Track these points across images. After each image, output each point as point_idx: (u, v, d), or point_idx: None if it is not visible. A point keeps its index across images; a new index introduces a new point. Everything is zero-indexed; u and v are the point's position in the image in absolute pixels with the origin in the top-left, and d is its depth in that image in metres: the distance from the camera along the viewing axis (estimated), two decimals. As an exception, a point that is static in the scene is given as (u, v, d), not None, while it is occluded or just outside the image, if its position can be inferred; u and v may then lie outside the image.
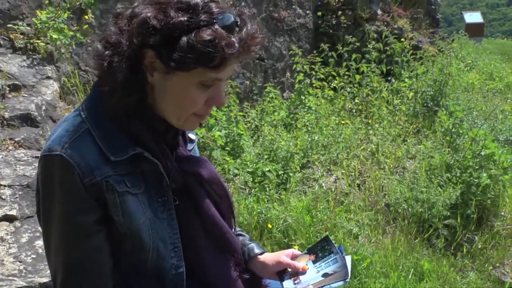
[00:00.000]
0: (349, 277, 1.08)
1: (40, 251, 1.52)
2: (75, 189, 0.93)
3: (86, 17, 3.16)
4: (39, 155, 1.97)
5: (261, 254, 1.27)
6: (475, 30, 13.55)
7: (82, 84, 3.11)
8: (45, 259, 1.47)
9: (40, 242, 1.55)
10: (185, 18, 0.89)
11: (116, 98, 0.96)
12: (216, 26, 0.90)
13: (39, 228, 1.61)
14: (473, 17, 15.14)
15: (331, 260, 1.14)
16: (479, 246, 3.35)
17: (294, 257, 1.24)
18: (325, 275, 1.12)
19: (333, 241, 1.21)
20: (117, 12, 1.00)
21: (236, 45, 0.91)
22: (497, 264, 3.31)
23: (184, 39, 0.88)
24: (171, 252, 1.04)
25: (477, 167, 3.51)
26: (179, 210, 1.07)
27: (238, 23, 0.94)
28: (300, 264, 1.20)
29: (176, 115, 1.00)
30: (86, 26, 3.11)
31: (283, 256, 1.23)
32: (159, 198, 1.03)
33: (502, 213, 3.71)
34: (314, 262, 1.17)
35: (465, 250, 3.27)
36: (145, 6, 0.93)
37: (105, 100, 0.98)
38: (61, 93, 2.89)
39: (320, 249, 1.19)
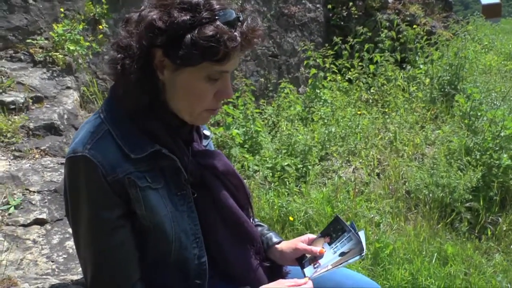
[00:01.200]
0: (364, 251, 1.12)
1: (71, 251, 1.60)
2: (100, 187, 0.99)
3: (100, 27, 3.26)
4: (64, 161, 2.07)
5: (278, 243, 1.31)
6: (492, 11, 13.26)
7: (101, 92, 3.21)
8: (76, 258, 1.56)
9: (70, 243, 1.63)
10: (188, 17, 0.95)
11: (131, 98, 1.03)
12: (218, 22, 0.96)
13: (69, 230, 1.70)
14: (489, -3, 14.82)
15: (345, 239, 1.18)
16: (504, 228, 3.32)
17: (310, 242, 1.28)
18: (342, 254, 1.15)
19: (344, 220, 1.24)
20: (126, 17, 1.07)
21: (238, 38, 0.96)
22: (524, 246, 3.28)
23: (188, 36, 0.94)
24: (193, 243, 1.10)
25: (497, 149, 3.47)
26: (198, 203, 1.12)
27: (240, 18, 0.99)
28: (317, 248, 1.23)
29: (188, 110, 1.06)
30: (101, 35, 3.21)
31: (300, 242, 1.27)
32: (178, 192, 1.08)
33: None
34: (330, 244, 1.21)
35: (489, 233, 3.24)
36: (151, 9, 0.99)
37: (122, 101, 1.05)
38: (81, 101, 2.99)
39: (333, 230, 1.22)
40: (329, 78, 5.29)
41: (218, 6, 0.97)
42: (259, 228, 1.35)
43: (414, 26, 5.90)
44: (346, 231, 1.19)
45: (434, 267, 2.81)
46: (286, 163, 3.62)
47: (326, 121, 4.29)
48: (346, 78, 5.45)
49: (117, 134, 1.02)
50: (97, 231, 1.02)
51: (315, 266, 1.18)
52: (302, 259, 1.24)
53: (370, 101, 5.23)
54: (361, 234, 1.18)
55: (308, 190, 3.40)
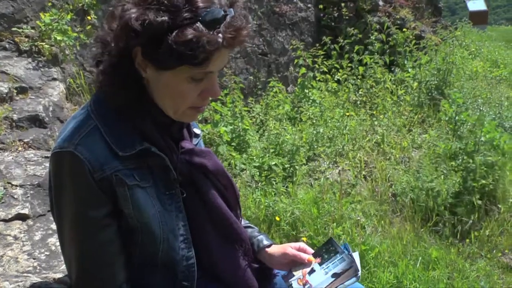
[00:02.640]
0: (359, 273, 1.09)
1: (53, 248, 1.56)
2: (86, 184, 0.96)
3: (89, 17, 3.19)
4: (48, 155, 2.01)
5: (269, 246, 1.28)
6: (479, 18, 13.44)
7: (87, 85, 3.14)
8: (59, 256, 1.51)
9: (52, 240, 1.59)
10: (166, 18, 0.89)
11: (114, 94, 1.00)
12: (198, 24, 0.89)
13: (52, 226, 1.65)
14: (476, 4, 15.01)
15: (337, 260, 1.14)
16: (487, 233, 3.36)
17: (302, 251, 1.24)
18: (335, 275, 1.11)
19: (338, 242, 1.20)
20: (111, 10, 1.02)
21: (219, 40, 0.91)
22: (506, 251, 3.32)
23: (166, 40, 0.89)
24: (181, 244, 1.07)
25: (479, 153, 3.50)
26: (186, 202, 1.09)
27: (227, 16, 0.93)
28: (305, 255, 1.20)
29: (172, 108, 1.02)
30: (89, 26, 3.14)
31: (289, 248, 1.24)
32: (166, 191, 1.05)
33: (510, 200, 3.71)
34: (321, 264, 1.17)
35: (473, 237, 3.27)
36: (132, 6, 0.94)
37: (108, 96, 1.02)
38: (67, 94, 2.92)
39: (325, 251, 1.19)
40: (318, 78, 5.29)
41: (202, 4, 0.91)
42: (249, 230, 1.33)
43: (404, 29, 5.93)
44: (339, 252, 1.16)
45: (418, 270, 2.83)
46: (273, 163, 3.60)
47: (314, 121, 4.28)
48: (335, 79, 5.46)
49: (105, 130, 0.99)
50: (82, 230, 0.99)
51: (306, 286, 1.13)
52: (289, 277, 1.19)
53: (358, 102, 5.25)
54: (355, 255, 1.15)
55: (295, 190, 3.39)
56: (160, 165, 1.04)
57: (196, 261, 1.10)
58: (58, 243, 1.47)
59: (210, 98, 1.07)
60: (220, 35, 0.91)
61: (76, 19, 3.19)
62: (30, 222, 1.65)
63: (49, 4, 3.02)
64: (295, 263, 1.22)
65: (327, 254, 1.18)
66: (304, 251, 1.24)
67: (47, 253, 1.52)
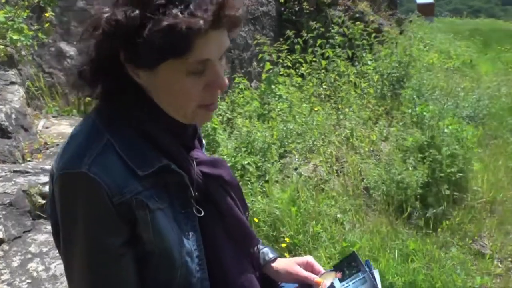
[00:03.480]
0: None
1: (35, 274, 1.42)
2: (103, 210, 0.85)
3: (46, 14, 2.97)
4: (17, 169, 1.84)
5: (274, 260, 1.22)
6: (426, 10, 13.93)
7: (47, 88, 2.94)
8: (42, 282, 1.38)
9: (33, 265, 1.45)
10: (137, 12, 0.80)
11: (120, 105, 0.90)
12: (173, 10, 0.79)
13: (31, 249, 1.51)
14: (423, -3, 15.58)
15: (359, 279, 1.09)
16: (457, 221, 3.46)
17: (308, 267, 1.19)
18: None
19: (360, 258, 1.15)
20: (88, 18, 0.92)
21: (200, 22, 0.80)
22: (475, 237, 3.44)
23: (142, 34, 0.80)
24: (196, 266, 0.99)
25: (441, 144, 3.60)
26: (201, 219, 1.01)
27: None
28: (313, 276, 1.15)
29: (179, 111, 0.92)
30: (47, 24, 2.92)
31: (295, 265, 1.18)
32: (182, 210, 0.96)
33: (475, 188, 3.85)
34: (341, 280, 1.11)
35: (444, 226, 3.36)
36: (104, 7, 0.85)
37: (115, 108, 0.91)
38: (27, 98, 2.71)
39: (347, 266, 1.13)
40: (282, 72, 5.25)
41: None
42: (255, 242, 1.26)
43: (363, 22, 6.01)
44: (361, 270, 1.10)
45: (398, 263, 2.86)
46: (246, 162, 3.53)
47: (284, 117, 4.25)
48: (299, 74, 5.44)
49: (120, 146, 0.87)
50: (97, 261, 0.88)
51: None
52: None
53: (323, 96, 5.26)
54: (376, 273, 1.10)
55: (271, 189, 3.34)
56: (177, 183, 0.94)
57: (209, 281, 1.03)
58: (40, 268, 1.34)
59: (219, 92, 0.93)
60: (200, 15, 0.80)
61: (32, 17, 2.96)
62: (5, 246, 1.49)
63: (3, 0, 2.78)
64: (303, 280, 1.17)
65: (349, 270, 1.12)
66: (312, 267, 1.19)
67: (29, 280, 1.38)
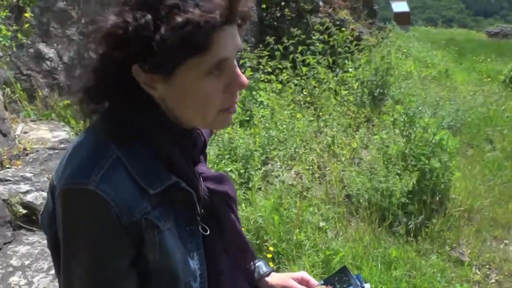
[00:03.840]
0: None
1: (17, 288, 1.35)
2: (111, 231, 0.80)
3: (26, 15, 2.87)
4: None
5: (268, 274, 1.20)
6: (402, 19, 14.22)
7: (25, 91, 2.84)
8: (25, 297, 1.31)
9: (15, 279, 1.38)
10: (149, 16, 0.76)
11: (128, 120, 0.85)
12: (187, 7, 0.76)
13: (12, 262, 1.44)
14: (400, 6, 15.89)
15: None
16: (436, 229, 3.51)
17: (304, 282, 1.18)
18: None
19: (351, 272, 1.15)
20: (90, 27, 0.87)
21: (216, 16, 0.77)
22: (454, 245, 3.50)
23: (157, 37, 0.76)
24: (198, 285, 0.95)
25: (430, 154, 3.66)
26: (204, 235, 0.97)
27: None
28: None
29: (199, 117, 0.88)
30: (27, 25, 2.83)
31: (290, 280, 1.17)
32: (187, 227, 0.92)
33: (453, 196, 3.92)
34: None
35: (424, 234, 3.40)
36: (109, 14, 0.80)
37: (122, 122, 0.86)
38: (5, 101, 2.61)
39: (338, 281, 1.13)
40: (262, 78, 5.24)
41: None
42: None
43: (343, 29, 6.08)
44: (352, 285, 1.10)
45: (381, 271, 2.88)
46: (229, 169, 3.50)
47: (267, 124, 4.24)
48: (279, 80, 5.45)
49: (130, 163, 0.82)
50: (101, 282, 0.83)
51: None
52: None
53: (303, 103, 5.28)
54: (367, 287, 1.10)
55: (254, 197, 3.31)
56: (185, 200, 0.90)
57: None
58: (22, 282, 1.28)
59: (239, 92, 0.90)
60: (215, 10, 0.77)
61: (11, 17, 2.86)
62: (-16, 259, 1.42)
63: (-20, 0, 2.68)
64: None
65: (340, 284, 1.12)
66: (307, 282, 1.17)
67: (11, 295, 1.32)
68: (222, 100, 0.85)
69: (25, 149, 2.25)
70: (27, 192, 1.70)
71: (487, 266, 3.34)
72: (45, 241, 0.90)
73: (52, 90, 3.13)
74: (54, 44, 3.21)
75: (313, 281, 1.18)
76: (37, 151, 2.24)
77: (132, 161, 0.83)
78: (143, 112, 0.86)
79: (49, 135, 2.45)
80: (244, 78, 0.86)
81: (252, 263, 1.12)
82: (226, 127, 1.00)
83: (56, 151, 2.21)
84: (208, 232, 0.95)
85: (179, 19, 0.75)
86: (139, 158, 0.84)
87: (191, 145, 0.93)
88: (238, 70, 0.86)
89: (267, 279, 1.18)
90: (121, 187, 0.80)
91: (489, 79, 8.49)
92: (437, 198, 3.56)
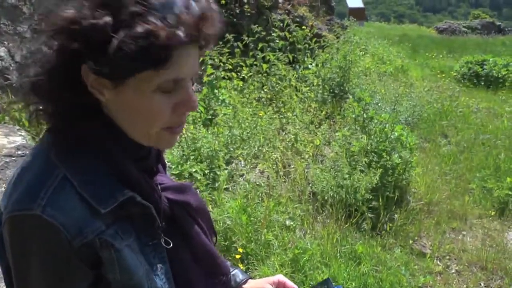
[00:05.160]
0: None
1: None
2: (62, 256, 0.75)
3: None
4: None
5: (245, 282, 1.18)
6: (357, 14, 14.52)
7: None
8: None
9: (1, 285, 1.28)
10: (109, 18, 0.72)
11: (74, 131, 0.80)
12: (151, 17, 0.72)
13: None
14: (354, 2, 16.22)
15: None
16: (399, 224, 3.61)
17: (281, 285, 1.17)
18: None
19: (333, 284, 1.15)
20: (40, 14, 0.82)
21: (180, 33, 0.73)
22: (416, 238, 3.61)
23: (114, 42, 0.72)
24: None
25: (389, 150, 3.75)
26: (168, 248, 0.93)
27: (190, 6, 0.75)
28: None
29: (143, 133, 0.84)
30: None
31: (267, 285, 1.16)
32: (149, 242, 0.88)
33: (414, 190, 4.04)
34: None
35: (388, 229, 3.48)
36: (68, 6, 0.75)
37: (68, 134, 0.81)
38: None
39: None
40: (222, 75, 5.18)
41: None
42: (224, 264, 1.22)
43: (303, 27, 6.10)
44: None
45: (349, 267, 2.92)
46: (194, 170, 3.43)
47: (230, 123, 4.19)
48: (240, 77, 5.41)
49: (77, 181, 0.78)
50: None
51: None
52: None
53: (264, 100, 5.27)
54: None
55: (221, 198, 3.27)
56: (143, 214, 0.85)
57: None
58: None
59: (187, 113, 0.87)
60: (180, 27, 0.73)
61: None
62: None
63: None
64: None
65: None
66: (284, 285, 1.16)
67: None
68: (169, 117, 0.82)
69: (-23, 156, 2.10)
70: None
71: (447, 257, 3.47)
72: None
73: (4, 92, 2.95)
74: (5, 42, 3.02)
75: (290, 283, 1.17)
76: (-11, 158, 2.10)
77: (81, 178, 0.78)
78: (90, 118, 0.81)
79: (4, 141, 2.29)
80: (195, 102, 0.83)
81: (224, 276, 1.09)
82: (170, 148, 0.96)
83: (14, 158, 2.07)
84: (171, 245, 0.91)
85: (140, 28, 0.71)
86: (88, 175, 0.79)
87: (144, 156, 0.89)
88: (191, 91, 0.82)
89: (244, 286, 1.17)
90: (70, 208, 0.76)
91: (443, 74, 8.83)
92: (396, 193, 3.65)
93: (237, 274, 1.20)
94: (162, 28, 0.71)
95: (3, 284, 1.43)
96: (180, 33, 0.73)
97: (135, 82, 0.77)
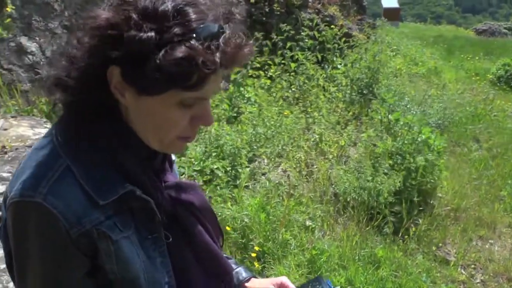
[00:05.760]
0: None
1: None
2: (60, 244, 0.78)
3: (7, 9, 2.78)
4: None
5: (248, 280, 1.19)
6: (392, 15, 14.26)
7: (6, 86, 2.76)
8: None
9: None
10: (153, 34, 0.73)
11: (84, 124, 0.82)
12: (193, 41, 0.74)
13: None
14: (389, 2, 15.92)
15: None
16: (423, 229, 3.51)
17: (283, 287, 1.17)
18: None
19: (324, 281, 1.17)
20: (79, 20, 0.84)
21: (217, 60, 0.75)
22: (440, 244, 3.50)
23: (152, 58, 0.73)
24: None
25: (414, 153, 3.65)
26: (170, 244, 0.95)
27: (225, 32, 0.77)
28: None
29: (157, 139, 0.86)
30: (9, 19, 2.75)
31: (270, 286, 1.16)
32: (149, 235, 0.90)
33: (440, 195, 3.93)
34: None
35: (411, 234, 3.40)
36: (108, 10, 0.77)
37: (78, 127, 0.83)
38: (-17, 97, 2.54)
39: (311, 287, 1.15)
40: (250, 73, 5.19)
41: (195, 16, 0.75)
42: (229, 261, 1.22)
43: (332, 26, 6.04)
44: None
45: (367, 271, 2.87)
46: (216, 167, 3.45)
47: (255, 122, 4.19)
48: (268, 76, 5.40)
49: (79, 172, 0.80)
50: None
51: None
52: None
53: (291, 99, 5.24)
54: None
55: (241, 195, 3.27)
56: (143, 208, 0.87)
57: None
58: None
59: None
60: (217, 54, 0.75)
61: (-10, 10, 2.77)
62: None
63: (-43, -8, 2.58)
64: None
65: None
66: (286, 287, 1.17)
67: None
68: (184, 130, 0.85)
69: (3, 146, 2.17)
70: (2, 194, 1.63)
71: (473, 266, 3.36)
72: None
73: (34, 85, 3.05)
74: (37, 38, 3.12)
75: (292, 286, 1.17)
76: (16, 149, 2.17)
77: (84, 170, 0.80)
78: (103, 115, 0.83)
79: (29, 132, 2.37)
80: (211, 118, 0.87)
81: (227, 277, 1.09)
82: (179, 153, 1.00)
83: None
84: (171, 239, 0.93)
85: (181, 52, 0.72)
86: (91, 168, 0.82)
87: (151, 155, 0.91)
88: (209, 108, 0.86)
89: (246, 284, 1.17)
90: (70, 198, 0.78)
91: (477, 77, 8.54)
92: (421, 197, 3.55)
93: (240, 271, 1.21)
94: (202, 54, 0.73)
95: (6, 274, 1.48)
96: (217, 59, 0.75)
97: (160, 96, 0.79)
